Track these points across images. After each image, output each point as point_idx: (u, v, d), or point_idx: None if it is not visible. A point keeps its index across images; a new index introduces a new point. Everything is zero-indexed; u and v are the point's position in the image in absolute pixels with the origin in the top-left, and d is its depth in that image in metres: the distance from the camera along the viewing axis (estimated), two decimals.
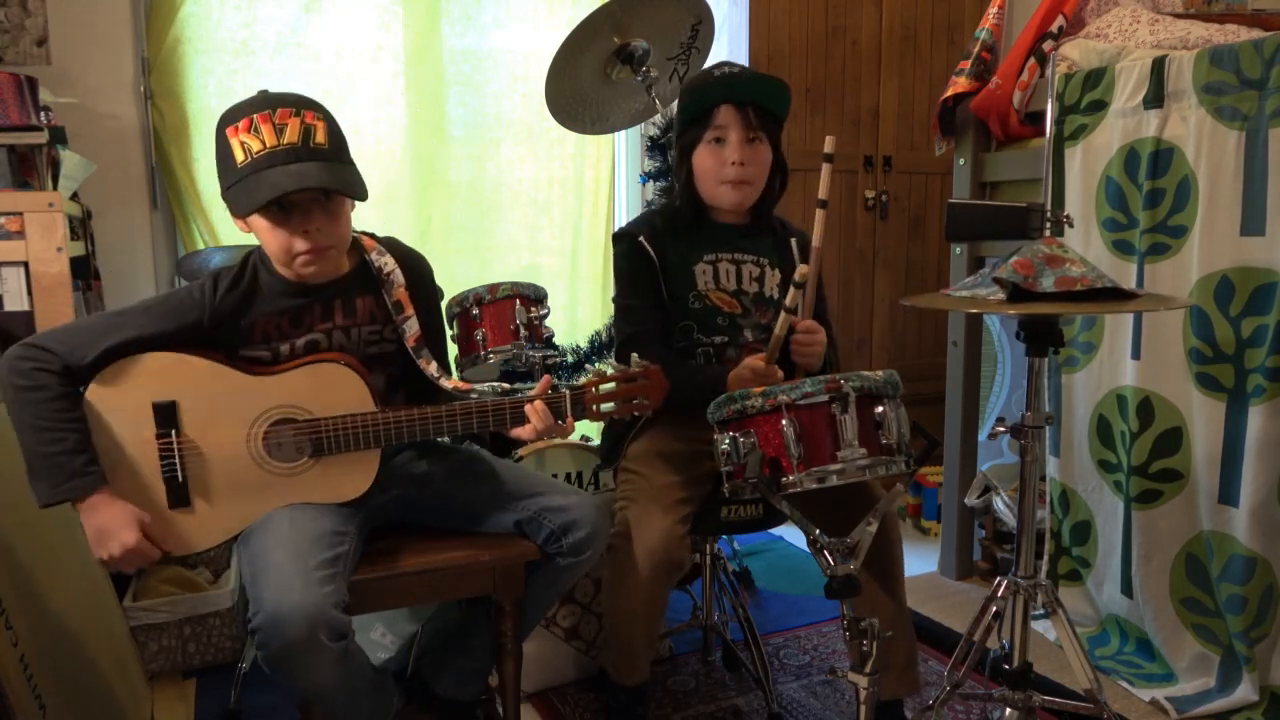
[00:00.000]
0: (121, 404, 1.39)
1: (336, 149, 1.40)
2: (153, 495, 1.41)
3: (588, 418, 1.49)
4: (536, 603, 1.66)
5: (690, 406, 1.64)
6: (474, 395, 1.50)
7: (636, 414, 1.51)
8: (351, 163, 1.45)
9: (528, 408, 1.46)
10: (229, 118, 1.38)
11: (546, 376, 1.51)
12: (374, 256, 1.53)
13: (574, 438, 2.20)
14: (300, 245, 1.39)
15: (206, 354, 1.43)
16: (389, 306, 1.53)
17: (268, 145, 1.34)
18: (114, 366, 1.38)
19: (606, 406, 1.49)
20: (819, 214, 1.63)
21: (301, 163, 1.35)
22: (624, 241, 1.86)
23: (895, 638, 1.67)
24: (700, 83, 1.79)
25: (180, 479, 1.41)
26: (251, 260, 1.50)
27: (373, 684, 1.48)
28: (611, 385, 1.48)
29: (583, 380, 1.50)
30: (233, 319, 1.46)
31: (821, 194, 1.62)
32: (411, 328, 1.53)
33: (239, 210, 1.39)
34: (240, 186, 1.36)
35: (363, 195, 1.42)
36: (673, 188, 1.89)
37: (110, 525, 1.34)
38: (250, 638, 1.31)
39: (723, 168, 1.77)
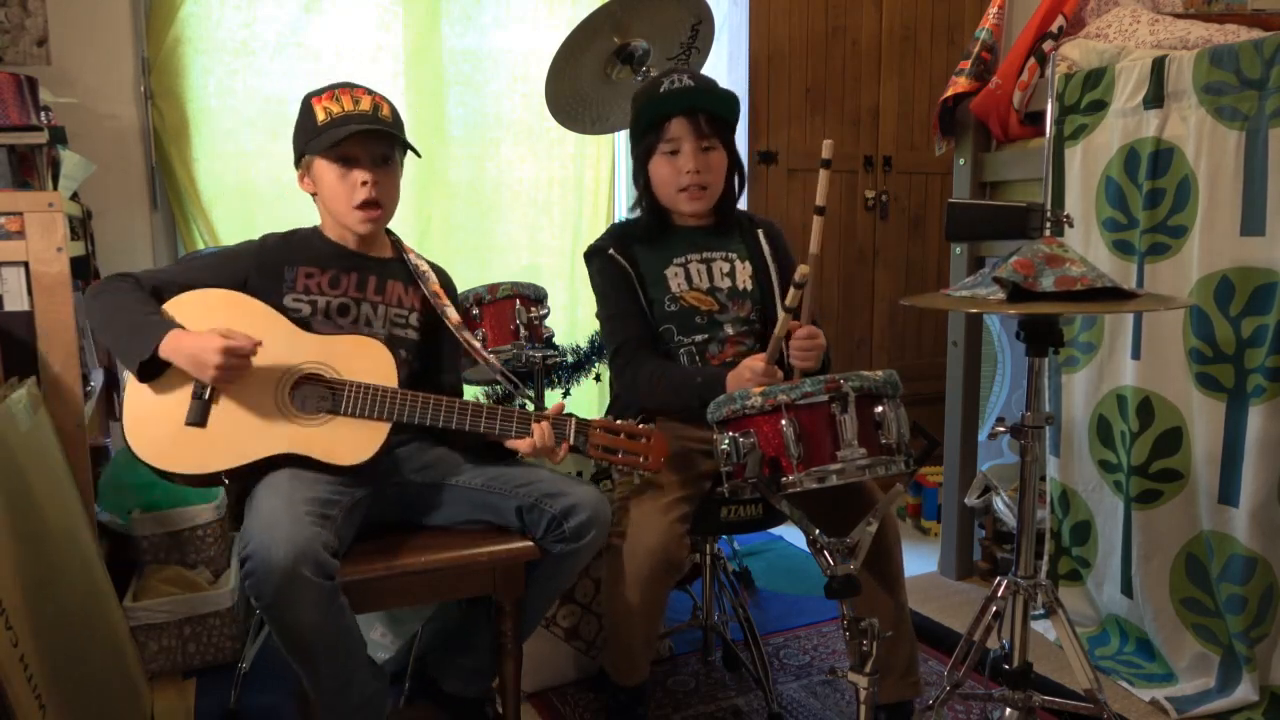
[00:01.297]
0: (185, 324, 1.52)
1: (399, 124, 1.67)
2: (173, 409, 1.50)
3: (588, 452, 1.57)
4: (536, 600, 1.67)
5: (690, 410, 1.65)
6: (493, 364, 1.71)
7: (632, 469, 1.60)
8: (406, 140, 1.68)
9: (533, 425, 1.53)
10: (313, 93, 1.64)
11: (560, 403, 1.60)
12: (411, 256, 1.75)
13: None
14: (361, 194, 1.61)
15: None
16: (426, 295, 1.71)
17: (346, 109, 1.61)
18: (183, 295, 1.57)
19: (607, 449, 1.57)
20: (816, 220, 1.63)
21: (372, 124, 1.60)
22: (596, 258, 1.89)
23: (896, 640, 1.68)
24: (650, 96, 1.81)
25: (205, 398, 1.50)
26: (300, 230, 1.72)
27: (369, 668, 1.49)
28: (619, 435, 1.57)
29: (592, 418, 1.59)
30: (276, 266, 1.63)
31: (819, 200, 1.61)
32: (452, 314, 1.71)
33: (322, 146, 1.58)
34: (323, 137, 1.59)
35: (418, 153, 1.70)
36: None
37: (200, 346, 1.46)
38: (240, 569, 1.35)
39: (679, 176, 1.81)
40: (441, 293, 1.73)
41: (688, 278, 1.87)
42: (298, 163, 1.68)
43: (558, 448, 1.55)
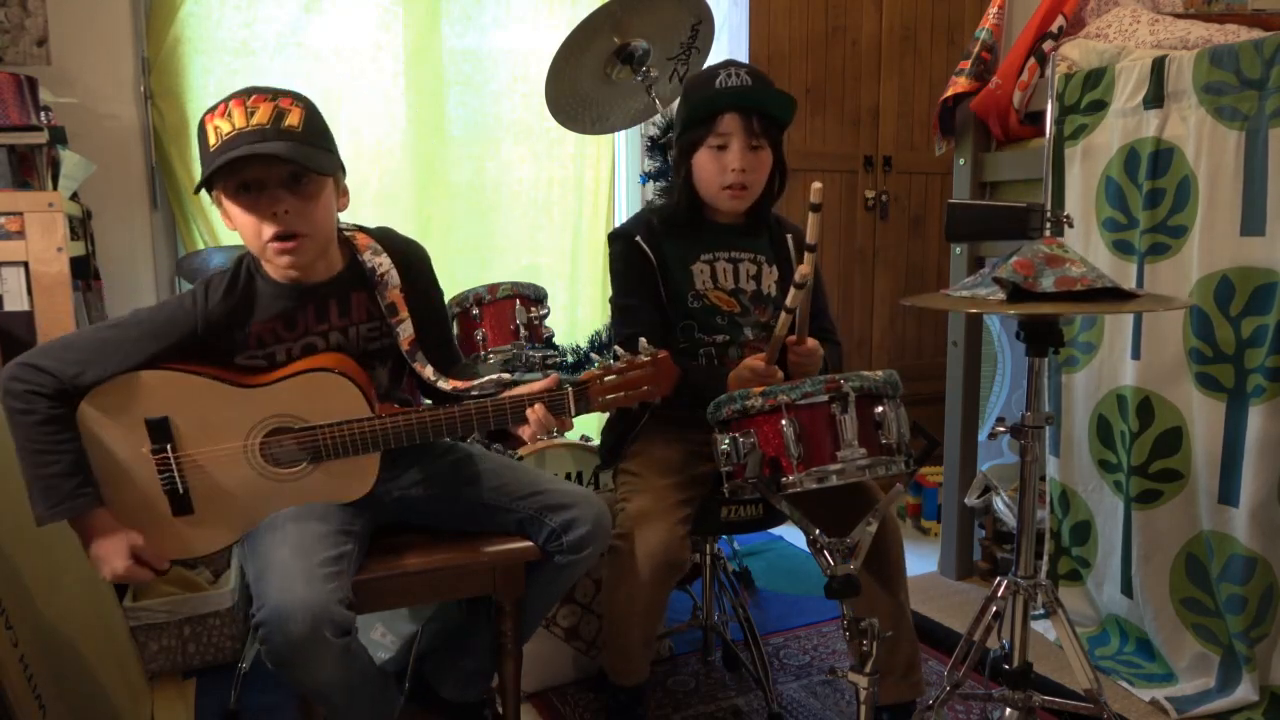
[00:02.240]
0: (115, 421, 1.39)
1: (312, 133, 1.38)
2: (156, 505, 1.42)
3: (594, 409, 1.45)
4: (536, 603, 1.66)
5: (690, 407, 1.64)
6: (473, 392, 1.50)
7: (644, 401, 1.47)
8: (328, 149, 1.42)
9: (528, 411, 1.44)
10: (210, 107, 1.38)
11: (554, 375, 1.49)
12: (367, 256, 1.51)
13: (574, 436, 2.20)
14: (269, 229, 1.36)
15: (198, 367, 1.42)
16: (382, 308, 1.51)
17: (236, 127, 1.34)
18: (105, 385, 1.38)
19: (612, 396, 1.45)
20: (808, 256, 1.58)
21: (266, 141, 1.33)
22: (620, 241, 1.85)
23: (897, 640, 1.67)
24: (705, 88, 1.76)
25: (181, 490, 1.41)
26: (244, 264, 1.48)
27: (375, 684, 1.48)
28: (615, 376, 1.45)
29: (587, 372, 1.47)
30: (226, 328, 1.44)
31: (810, 239, 1.58)
32: (405, 331, 1.51)
33: (201, 187, 1.36)
34: (205, 169, 1.35)
35: (326, 170, 1.39)
36: (673, 187, 1.88)
37: (102, 551, 1.36)
38: (253, 634, 1.31)
39: (724, 174, 1.76)
40: (401, 302, 1.51)
41: (713, 276, 1.84)
42: (211, 197, 1.41)
43: (561, 420, 1.46)
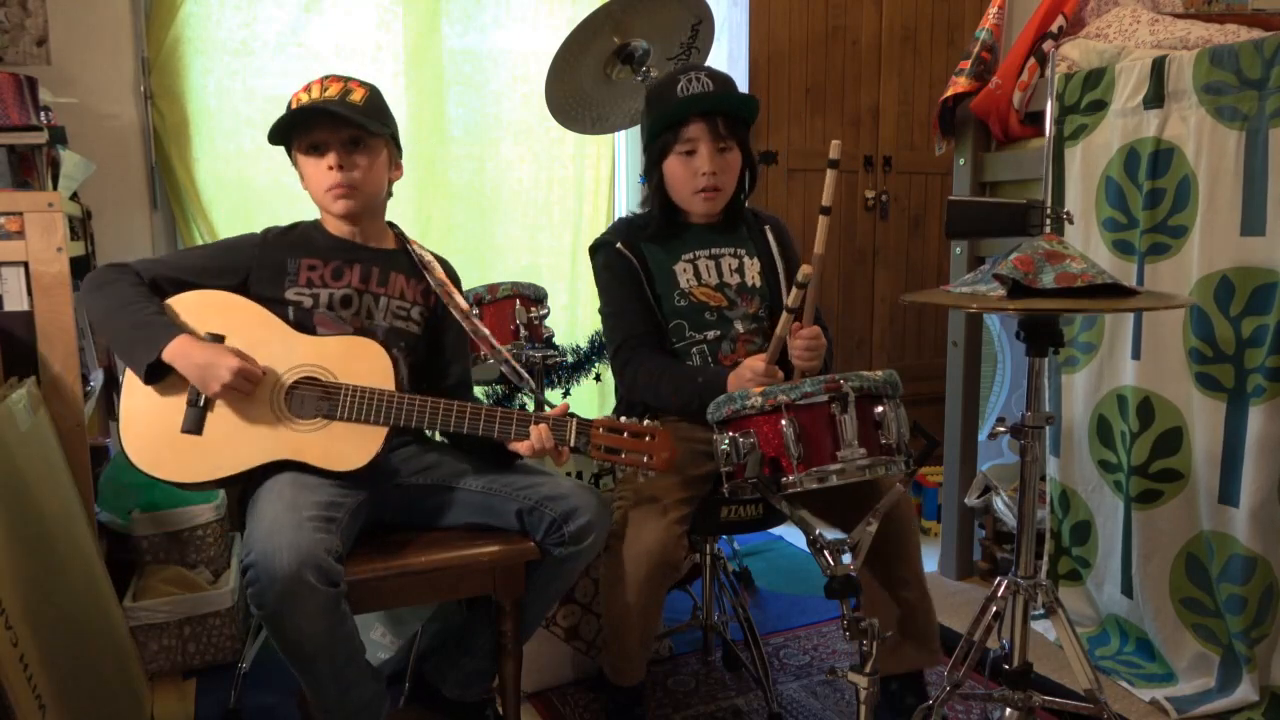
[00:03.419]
0: (181, 325, 1.52)
1: (372, 109, 1.62)
2: (171, 418, 1.50)
3: (589, 453, 1.53)
4: (537, 601, 1.67)
5: (691, 409, 1.64)
6: (500, 353, 1.70)
7: (637, 469, 1.56)
8: (384, 123, 1.65)
9: (531, 427, 1.51)
10: (299, 90, 1.64)
11: (565, 404, 1.57)
12: (416, 247, 1.74)
13: None
14: (330, 177, 1.59)
15: (261, 300, 1.59)
16: (431, 287, 1.71)
17: (313, 98, 1.61)
18: (184, 295, 1.56)
19: (610, 446, 1.53)
20: (822, 220, 1.62)
21: (330, 107, 1.58)
22: (603, 251, 1.87)
23: (915, 607, 1.69)
24: (668, 96, 1.79)
25: (201, 405, 1.50)
26: (303, 224, 1.71)
27: (367, 672, 1.48)
28: (623, 434, 1.53)
29: (599, 417, 1.55)
30: (280, 254, 1.63)
31: (825, 200, 1.61)
32: (460, 302, 1.71)
33: (276, 133, 1.60)
34: (278, 125, 1.59)
35: (377, 132, 1.62)
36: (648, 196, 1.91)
37: (210, 358, 1.46)
38: (243, 577, 1.34)
39: (695, 178, 1.80)
40: (448, 281, 1.73)
41: (696, 274, 1.86)
42: (294, 164, 1.68)
43: (559, 449, 1.53)
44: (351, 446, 1.50)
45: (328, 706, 1.44)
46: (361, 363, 1.54)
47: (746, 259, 1.89)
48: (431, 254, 1.77)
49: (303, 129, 1.60)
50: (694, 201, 1.83)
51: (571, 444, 1.53)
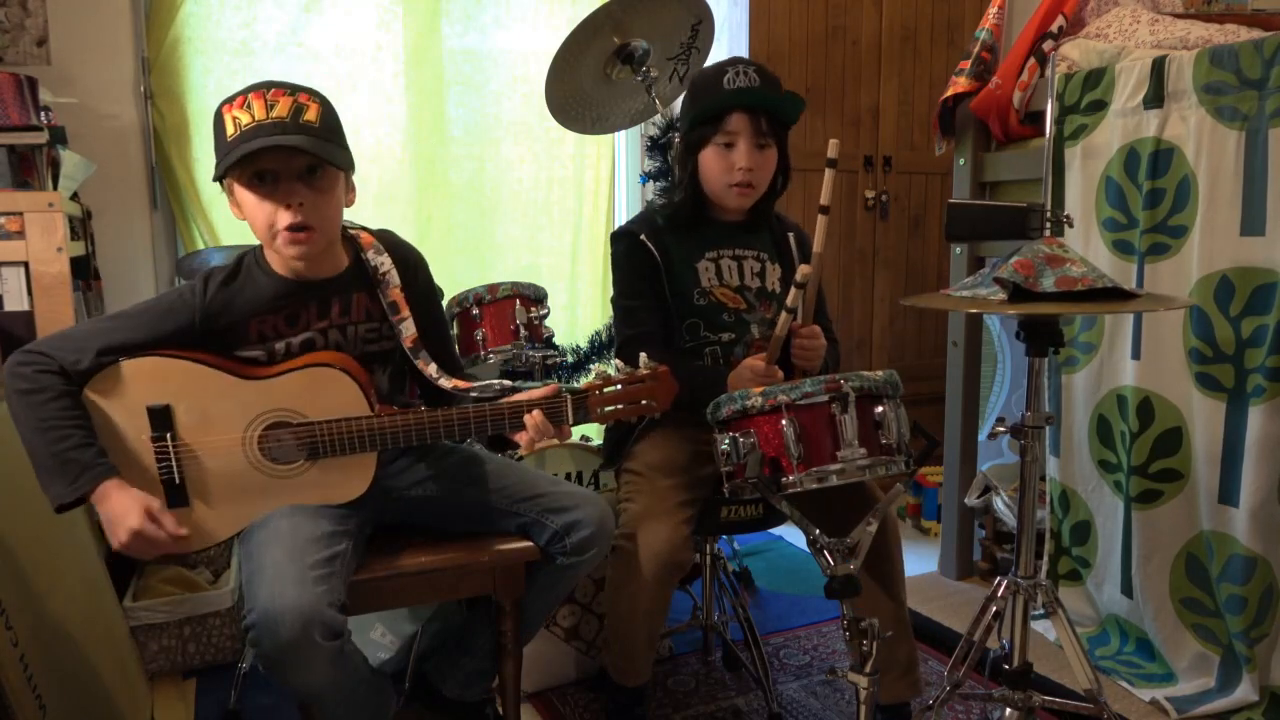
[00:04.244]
0: (117, 406, 1.39)
1: (328, 130, 1.40)
2: (152, 495, 1.39)
3: (592, 420, 1.45)
4: (538, 604, 1.66)
5: (690, 407, 1.64)
6: (473, 394, 1.50)
7: (643, 415, 1.48)
8: (343, 146, 1.44)
9: (526, 418, 1.43)
10: (228, 98, 1.40)
11: (554, 384, 1.49)
12: (370, 255, 1.53)
13: (575, 437, 2.20)
14: (284, 219, 1.37)
15: (200, 356, 1.42)
16: (384, 307, 1.52)
17: (256, 119, 1.35)
18: (108, 370, 1.38)
19: (611, 409, 1.46)
20: (820, 219, 1.63)
21: (286, 134, 1.35)
22: (624, 240, 1.85)
23: (896, 640, 1.67)
24: (713, 87, 1.76)
25: (177, 480, 1.40)
26: (246, 260, 1.49)
27: (370, 685, 1.47)
28: (617, 387, 1.45)
29: (586, 382, 1.47)
30: (225, 318, 1.44)
31: (824, 199, 1.61)
32: (408, 329, 1.52)
33: (219, 173, 1.38)
34: (225, 158, 1.36)
35: (344, 166, 1.42)
36: (672, 185, 1.89)
37: (118, 512, 1.33)
38: (244, 637, 1.31)
39: (730, 172, 1.77)
40: (402, 301, 1.53)
41: (718, 273, 1.84)
42: (222, 185, 1.43)
43: (559, 429, 1.46)
44: (346, 478, 1.45)
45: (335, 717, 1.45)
46: (327, 395, 1.42)
47: (769, 264, 1.88)
48: (396, 248, 1.57)
49: (237, 155, 1.34)
50: (727, 195, 1.80)
51: (572, 422, 1.46)
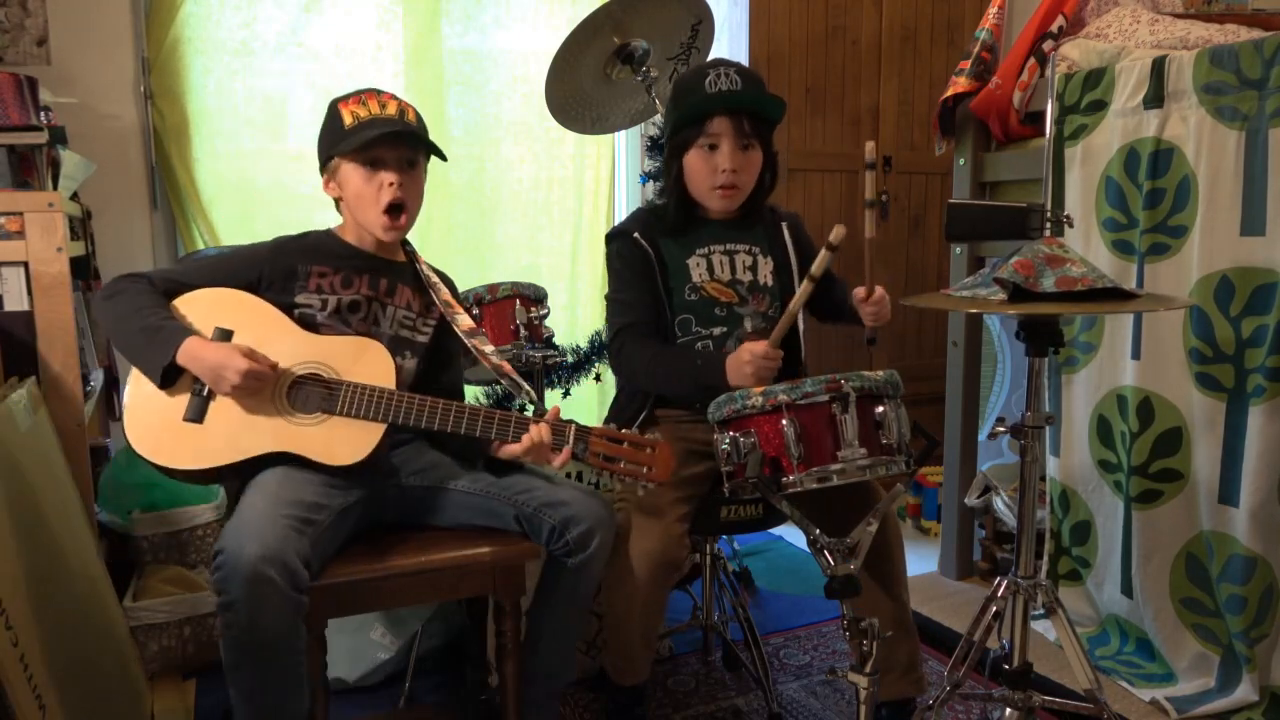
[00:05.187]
0: (193, 321, 1.55)
1: (424, 129, 1.67)
2: (175, 405, 1.52)
3: (588, 458, 1.54)
4: (568, 615, 1.65)
5: (688, 395, 1.64)
6: (505, 371, 1.69)
7: (632, 477, 1.54)
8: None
9: (531, 426, 1.51)
10: (339, 98, 1.66)
11: (556, 407, 1.57)
12: (423, 267, 1.76)
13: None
14: (387, 194, 1.61)
15: (269, 299, 1.62)
16: (435, 303, 1.72)
17: (372, 114, 1.62)
18: (191, 293, 1.59)
19: (609, 456, 1.54)
20: (868, 212, 1.68)
21: (400, 127, 1.62)
22: (619, 239, 1.87)
23: (897, 638, 1.68)
24: (695, 90, 1.77)
25: (205, 395, 1.51)
26: (313, 233, 1.72)
27: (305, 693, 1.46)
28: (622, 443, 1.53)
29: (599, 426, 1.55)
30: (290, 260, 1.64)
31: (868, 195, 1.67)
32: (463, 322, 1.73)
33: (350, 148, 1.59)
34: (351, 139, 1.59)
35: (443, 157, 1.68)
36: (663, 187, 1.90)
37: (219, 359, 1.47)
38: (212, 563, 1.34)
39: (714, 174, 1.78)
40: (453, 302, 1.75)
41: (709, 268, 1.85)
42: (323, 167, 1.68)
43: (557, 452, 1.53)
44: (350, 441, 1.51)
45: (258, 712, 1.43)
46: (365, 362, 1.56)
47: (760, 257, 1.89)
48: (437, 273, 1.79)
49: (360, 140, 1.60)
50: (711, 197, 1.82)
51: (571, 448, 1.53)
